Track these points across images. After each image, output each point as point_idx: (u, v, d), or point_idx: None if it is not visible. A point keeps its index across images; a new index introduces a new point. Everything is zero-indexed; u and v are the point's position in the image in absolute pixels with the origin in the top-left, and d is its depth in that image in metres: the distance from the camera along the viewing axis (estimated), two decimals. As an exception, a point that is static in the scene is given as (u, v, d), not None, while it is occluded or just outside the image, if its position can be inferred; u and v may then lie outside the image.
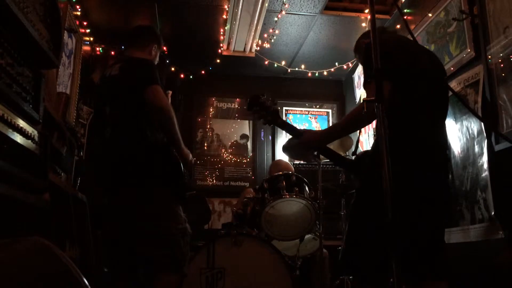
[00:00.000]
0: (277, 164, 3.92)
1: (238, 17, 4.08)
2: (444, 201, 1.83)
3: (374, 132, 2.92)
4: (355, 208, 1.92)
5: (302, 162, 4.50)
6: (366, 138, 4.52)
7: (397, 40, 2.02)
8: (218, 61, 4.86)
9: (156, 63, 2.58)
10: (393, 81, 1.71)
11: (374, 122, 3.03)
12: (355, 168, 2.07)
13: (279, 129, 5.34)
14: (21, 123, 1.24)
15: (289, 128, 2.08)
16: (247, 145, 5.30)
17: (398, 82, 1.73)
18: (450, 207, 1.93)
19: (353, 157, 2.14)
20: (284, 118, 5.35)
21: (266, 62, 4.86)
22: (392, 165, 1.59)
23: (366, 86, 1.82)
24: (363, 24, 4.20)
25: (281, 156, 4.97)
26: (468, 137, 2.79)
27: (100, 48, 4.38)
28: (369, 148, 3.73)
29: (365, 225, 1.77)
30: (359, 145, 2.96)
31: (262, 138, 5.35)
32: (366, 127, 4.55)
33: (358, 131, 4.73)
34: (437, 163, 1.81)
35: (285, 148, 3.29)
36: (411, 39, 1.92)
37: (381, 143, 1.36)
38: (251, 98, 2.11)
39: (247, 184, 4.99)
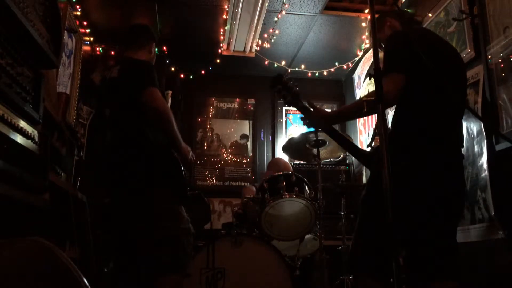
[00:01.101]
0: (276, 162, 3.92)
1: (238, 17, 4.08)
2: (459, 200, 1.83)
3: (374, 131, 2.93)
4: (365, 204, 1.90)
5: (302, 162, 4.51)
6: (366, 138, 4.53)
7: (415, 33, 1.98)
8: (218, 61, 4.86)
9: (154, 60, 2.59)
10: (414, 74, 1.73)
11: (361, 122, 3.02)
12: (368, 161, 2.06)
13: (279, 129, 5.34)
14: (21, 123, 1.24)
15: (305, 111, 2.16)
16: (247, 145, 5.30)
17: (421, 77, 1.73)
18: (463, 206, 1.95)
19: (369, 149, 2.14)
20: (284, 118, 5.40)
21: (266, 62, 4.86)
22: (406, 162, 1.59)
23: (384, 77, 1.81)
24: (363, 24, 4.20)
25: (281, 156, 4.96)
26: (468, 137, 2.79)
27: (100, 48, 4.38)
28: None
29: (374, 222, 1.75)
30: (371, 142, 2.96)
31: (262, 138, 5.35)
32: (366, 126, 4.55)
33: (358, 131, 4.74)
34: (453, 162, 1.80)
35: (285, 148, 3.30)
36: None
37: (381, 143, 1.36)
38: (274, 77, 2.22)
39: (247, 184, 4.99)
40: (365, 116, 2.68)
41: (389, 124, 2.02)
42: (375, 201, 1.75)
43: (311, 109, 2.12)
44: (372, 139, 2.29)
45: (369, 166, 2.05)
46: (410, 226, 1.69)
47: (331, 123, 2.13)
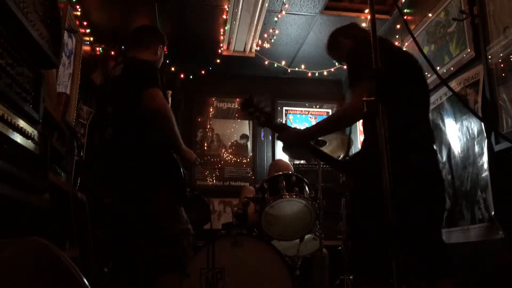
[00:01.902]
0: (276, 164, 3.93)
1: (238, 17, 4.08)
2: (438, 199, 1.85)
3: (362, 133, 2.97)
4: (354, 208, 1.94)
5: (302, 162, 4.51)
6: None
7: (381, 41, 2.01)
8: (218, 61, 4.86)
9: (160, 63, 2.59)
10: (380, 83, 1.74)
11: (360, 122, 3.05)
12: (348, 169, 2.11)
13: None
14: (21, 123, 1.24)
15: (280, 130, 2.18)
16: (247, 145, 5.30)
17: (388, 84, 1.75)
18: (443, 205, 1.99)
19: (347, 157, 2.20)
20: (284, 118, 5.40)
21: (266, 62, 4.86)
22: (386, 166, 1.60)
23: (354, 87, 1.83)
24: (363, 24, 4.20)
25: (281, 156, 4.97)
26: (468, 137, 2.79)
27: (100, 48, 4.38)
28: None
29: (366, 225, 1.78)
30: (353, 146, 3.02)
31: (262, 138, 5.35)
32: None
33: (358, 131, 4.74)
34: (430, 161, 1.84)
35: (285, 148, 3.30)
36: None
37: (380, 143, 1.36)
38: (245, 99, 2.23)
39: (247, 184, 4.99)
40: (351, 124, 2.69)
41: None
42: (365, 204, 1.78)
43: (284, 128, 2.15)
44: (349, 147, 2.40)
45: (350, 174, 2.09)
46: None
47: (306, 140, 2.13)
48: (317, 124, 2.18)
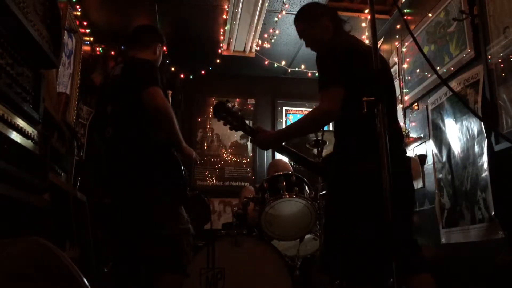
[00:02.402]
0: (276, 164, 3.92)
1: (238, 17, 4.08)
2: (407, 198, 1.87)
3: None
4: (328, 211, 1.98)
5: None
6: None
7: (349, 44, 2.00)
8: (218, 61, 4.86)
9: (159, 62, 2.58)
10: (348, 87, 1.78)
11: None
12: (321, 171, 2.13)
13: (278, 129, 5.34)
14: (21, 123, 1.24)
15: (252, 134, 2.18)
16: (247, 145, 5.30)
17: (353, 88, 1.76)
18: (412, 203, 2.03)
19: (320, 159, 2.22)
20: (284, 118, 5.40)
21: (266, 62, 4.86)
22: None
23: (323, 91, 1.83)
24: (363, 24, 4.20)
25: (281, 156, 4.96)
26: (468, 137, 2.79)
27: (100, 48, 4.38)
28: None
29: (341, 227, 1.80)
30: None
31: (262, 138, 5.34)
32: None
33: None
34: (397, 162, 1.85)
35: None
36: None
37: (381, 143, 1.36)
38: (216, 104, 2.23)
39: (247, 184, 4.99)
40: (322, 127, 2.69)
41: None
42: (338, 206, 1.83)
43: (256, 132, 2.16)
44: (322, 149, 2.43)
45: (322, 175, 2.11)
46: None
47: (279, 142, 2.16)
48: (290, 126, 2.20)
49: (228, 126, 2.23)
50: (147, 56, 2.46)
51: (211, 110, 5.32)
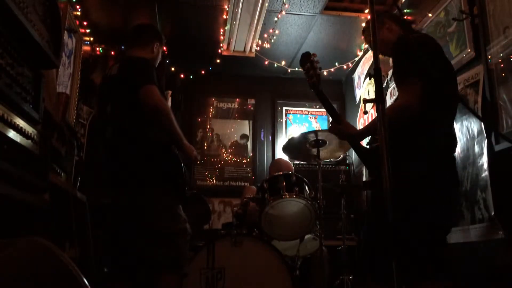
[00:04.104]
0: (277, 163, 3.92)
1: (238, 17, 4.08)
2: (450, 200, 1.83)
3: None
4: (372, 205, 1.92)
5: (302, 162, 4.51)
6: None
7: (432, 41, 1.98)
8: (218, 61, 4.86)
9: (158, 61, 2.58)
10: (425, 81, 1.74)
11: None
12: (369, 161, 2.04)
13: (278, 130, 5.34)
14: (21, 123, 1.24)
15: (326, 102, 2.10)
16: (247, 145, 5.30)
17: (430, 83, 1.74)
18: (454, 206, 1.96)
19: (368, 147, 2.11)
20: (284, 118, 5.41)
21: (266, 62, 4.86)
22: (408, 164, 1.61)
23: (402, 86, 1.80)
24: (363, 24, 4.20)
25: (281, 156, 4.96)
26: (468, 137, 2.79)
27: (100, 48, 4.38)
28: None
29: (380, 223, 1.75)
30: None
31: (262, 138, 5.35)
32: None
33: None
34: (449, 163, 1.83)
35: (285, 148, 3.30)
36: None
37: (380, 143, 1.36)
38: (303, 54, 2.19)
39: (247, 184, 4.99)
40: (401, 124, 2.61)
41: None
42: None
43: (340, 119, 2.04)
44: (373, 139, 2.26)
45: (371, 167, 2.04)
46: (410, 228, 1.69)
47: (356, 141, 2.03)
48: (368, 127, 2.04)
49: (308, 80, 2.15)
50: (145, 54, 2.45)
51: (211, 110, 5.33)
